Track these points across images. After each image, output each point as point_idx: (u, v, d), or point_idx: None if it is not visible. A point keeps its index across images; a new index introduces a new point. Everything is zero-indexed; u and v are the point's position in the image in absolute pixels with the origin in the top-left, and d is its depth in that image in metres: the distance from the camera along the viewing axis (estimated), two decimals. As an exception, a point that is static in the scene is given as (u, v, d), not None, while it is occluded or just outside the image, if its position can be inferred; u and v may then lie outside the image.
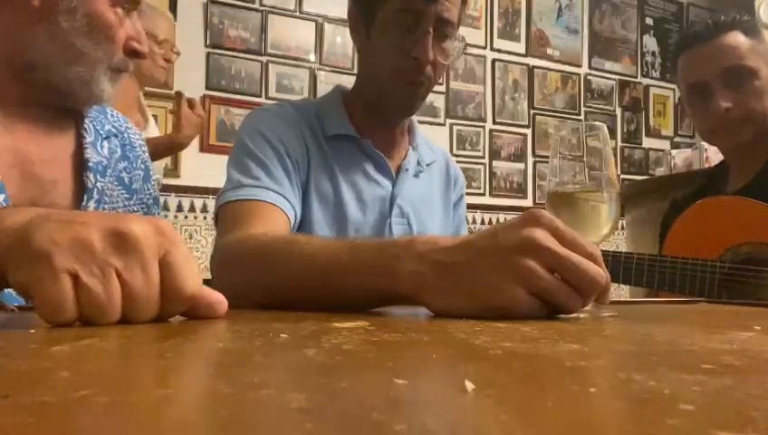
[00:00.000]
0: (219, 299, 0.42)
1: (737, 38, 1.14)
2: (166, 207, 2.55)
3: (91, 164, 0.74)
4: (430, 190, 1.01)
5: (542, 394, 0.19)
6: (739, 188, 1.16)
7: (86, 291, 0.35)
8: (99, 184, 0.74)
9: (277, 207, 0.78)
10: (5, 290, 0.42)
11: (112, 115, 0.85)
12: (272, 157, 0.83)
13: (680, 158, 2.56)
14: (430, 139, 1.09)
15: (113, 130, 0.83)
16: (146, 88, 2.56)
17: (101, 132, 0.80)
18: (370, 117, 0.93)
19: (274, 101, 2.82)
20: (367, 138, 0.92)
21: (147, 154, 0.89)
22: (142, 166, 0.86)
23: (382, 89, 0.89)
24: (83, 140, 0.76)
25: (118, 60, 0.71)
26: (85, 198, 0.72)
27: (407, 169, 0.96)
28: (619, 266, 1.09)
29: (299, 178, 0.85)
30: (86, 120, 0.78)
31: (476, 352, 0.28)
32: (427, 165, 1.01)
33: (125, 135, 0.84)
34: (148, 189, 0.86)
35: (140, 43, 0.73)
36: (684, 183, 1.55)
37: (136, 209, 0.81)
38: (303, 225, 0.85)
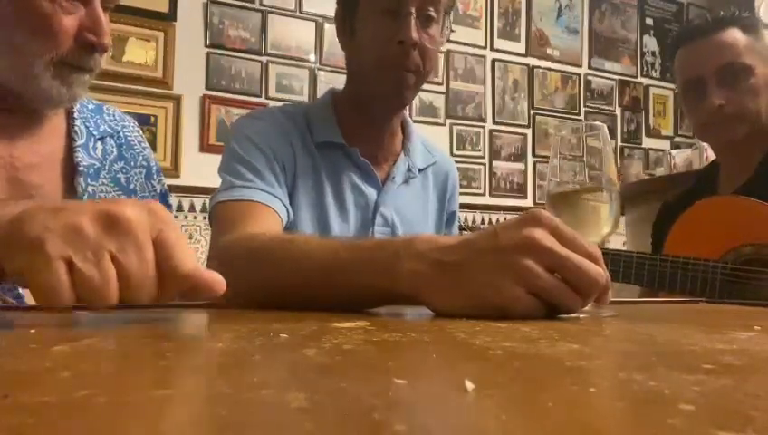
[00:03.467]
0: (217, 278, 0.40)
1: (735, 35, 1.13)
2: (166, 207, 2.55)
3: (81, 168, 0.73)
4: (423, 196, 0.99)
5: (542, 394, 0.19)
6: (733, 190, 1.15)
7: (81, 275, 0.35)
8: (90, 188, 0.73)
9: (270, 208, 0.78)
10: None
11: (108, 114, 0.84)
12: (262, 161, 0.83)
13: (680, 158, 2.56)
14: (431, 139, 1.07)
15: (109, 129, 0.81)
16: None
17: (95, 133, 0.78)
18: (359, 120, 0.91)
19: (272, 103, 2.81)
20: (355, 144, 0.90)
21: (148, 150, 0.87)
22: (143, 163, 0.84)
23: (369, 83, 0.86)
24: (74, 142, 0.75)
25: (67, 54, 0.65)
26: None
27: (393, 177, 0.93)
28: (619, 266, 1.09)
29: (286, 182, 0.85)
30: (77, 122, 0.76)
31: (476, 352, 0.28)
32: (421, 170, 0.98)
33: (121, 134, 0.83)
34: (153, 187, 0.85)
35: (96, 34, 0.66)
36: (682, 183, 1.55)
37: None
38: (289, 228, 0.84)
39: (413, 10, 0.81)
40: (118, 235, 0.36)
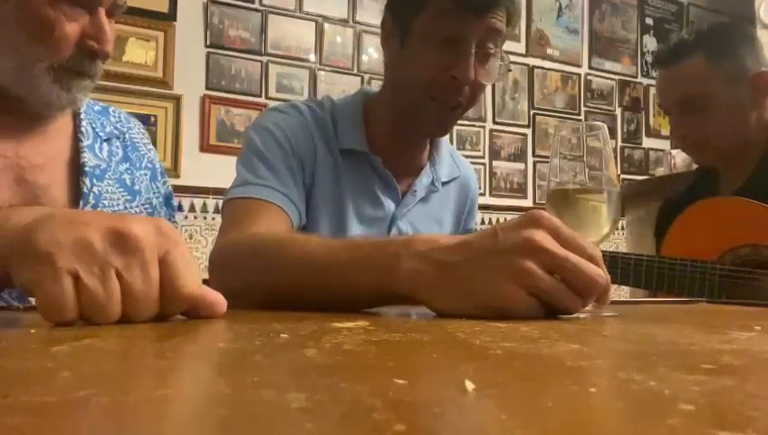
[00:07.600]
0: (218, 299, 0.42)
1: (695, 64, 1.13)
2: (166, 207, 2.55)
3: (87, 169, 0.73)
4: (441, 211, 0.97)
5: (542, 394, 0.19)
6: (735, 189, 1.15)
7: (86, 291, 0.35)
8: (95, 188, 0.73)
9: (281, 208, 0.78)
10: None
11: (115, 116, 0.84)
12: (279, 156, 0.81)
13: (680, 157, 2.56)
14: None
15: (115, 131, 0.82)
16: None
17: (101, 134, 0.79)
18: (390, 130, 0.88)
19: (272, 103, 2.79)
20: (380, 153, 0.88)
21: (153, 152, 0.87)
22: (148, 165, 0.84)
23: (412, 105, 0.82)
24: (80, 143, 0.75)
25: (68, 60, 0.65)
26: (81, 203, 0.71)
27: (414, 191, 0.92)
28: (618, 267, 1.09)
29: (303, 180, 0.83)
30: (84, 123, 0.77)
31: (476, 352, 0.28)
32: (444, 183, 0.96)
33: (127, 136, 0.83)
34: (157, 188, 0.85)
35: (99, 42, 0.66)
36: (682, 183, 1.55)
37: (139, 211, 0.80)
38: (305, 230, 0.83)
39: (474, 45, 0.77)
40: (125, 252, 0.37)
